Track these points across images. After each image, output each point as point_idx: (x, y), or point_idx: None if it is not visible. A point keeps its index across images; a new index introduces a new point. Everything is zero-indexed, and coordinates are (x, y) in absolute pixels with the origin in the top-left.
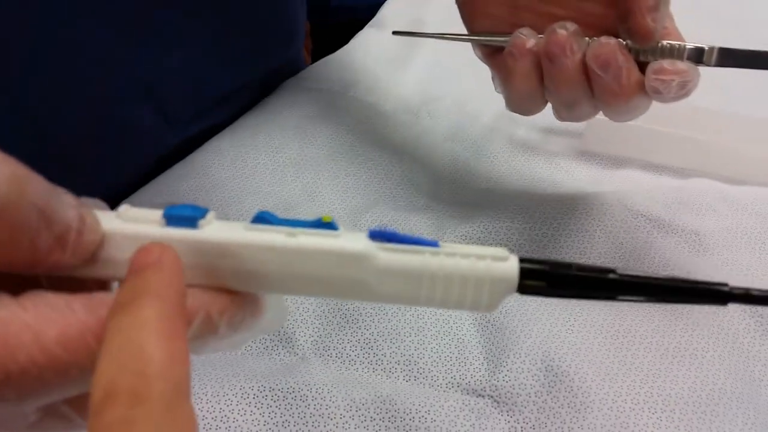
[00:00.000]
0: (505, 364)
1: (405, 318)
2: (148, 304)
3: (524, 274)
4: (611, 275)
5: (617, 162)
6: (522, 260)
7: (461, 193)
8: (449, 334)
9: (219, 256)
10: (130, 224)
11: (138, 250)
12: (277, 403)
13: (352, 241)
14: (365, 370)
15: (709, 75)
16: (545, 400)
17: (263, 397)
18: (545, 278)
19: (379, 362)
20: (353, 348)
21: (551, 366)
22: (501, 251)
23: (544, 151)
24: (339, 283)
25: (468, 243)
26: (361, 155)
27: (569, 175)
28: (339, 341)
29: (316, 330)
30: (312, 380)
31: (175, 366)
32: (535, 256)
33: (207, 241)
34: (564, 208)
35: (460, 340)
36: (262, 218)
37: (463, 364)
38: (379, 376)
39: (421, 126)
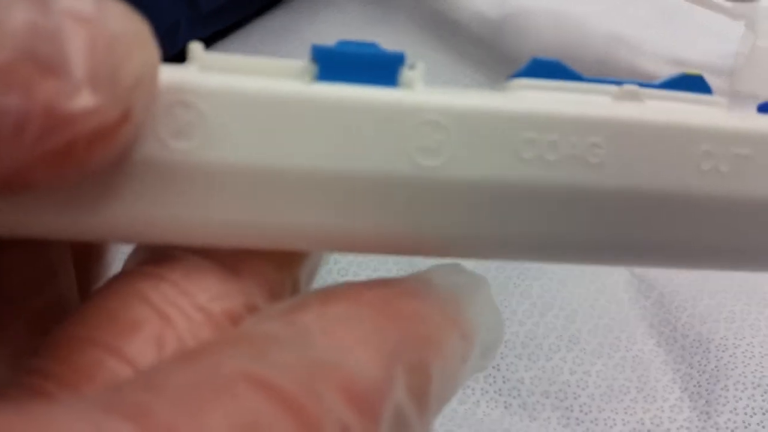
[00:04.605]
0: (723, 398)
1: (545, 322)
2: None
3: None
4: None
5: None
6: None
7: None
8: (618, 349)
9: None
10: (234, 76)
11: None
12: None
13: None
14: (495, 406)
15: None
16: None
17: None
18: None
19: (516, 394)
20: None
21: None
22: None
23: None
24: None
25: None
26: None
27: None
28: None
29: None
30: None
31: None
32: None
33: (451, 108)
34: None
35: (638, 360)
36: (550, 66)
37: (650, 398)
38: (518, 418)
39: (505, 47)
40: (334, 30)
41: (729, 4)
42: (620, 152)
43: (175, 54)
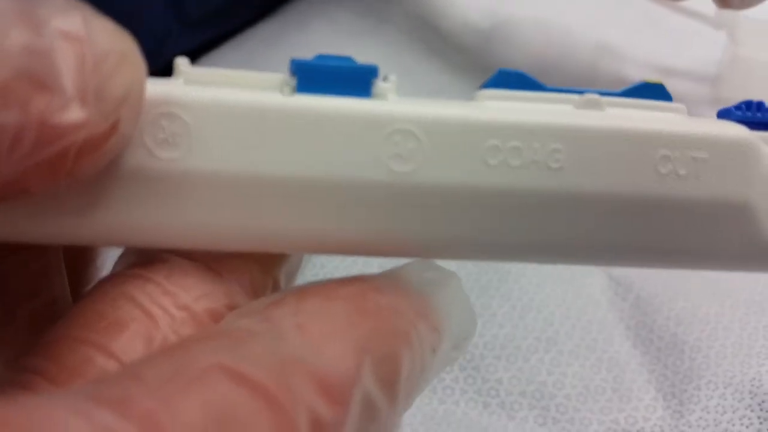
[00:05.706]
0: (696, 397)
1: (524, 324)
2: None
3: None
4: None
5: None
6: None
7: None
8: (594, 351)
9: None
10: (217, 89)
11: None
12: None
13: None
14: (474, 406)
15: None
16: None
17: None
18: None
19: (494, 394)
20: (450, 371)
21: None
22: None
23: None
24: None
25: None
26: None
27: None
28: None
29: None
30: None
31: None
32: None
33: (425, 118)
34: None
35: (614, 361)
36: (515, 77)
37: (625, 398)
38: (496, 418)
39: (494, 57)
40: (325, 39)
41: (711, 14)
42: (580, 157)
43: (165, 64)
